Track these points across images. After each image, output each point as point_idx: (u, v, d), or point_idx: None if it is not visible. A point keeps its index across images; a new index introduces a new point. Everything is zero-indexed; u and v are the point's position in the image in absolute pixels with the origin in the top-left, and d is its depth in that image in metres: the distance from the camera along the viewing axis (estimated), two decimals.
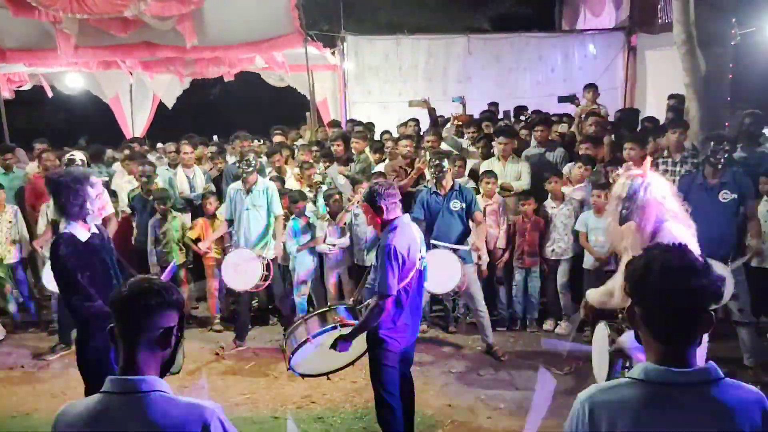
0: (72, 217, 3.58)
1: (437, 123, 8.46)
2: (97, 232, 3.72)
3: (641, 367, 1.70)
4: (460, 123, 7.93)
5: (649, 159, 3.23)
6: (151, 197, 6.66)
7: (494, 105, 9.11)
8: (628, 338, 2.92)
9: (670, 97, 7.82)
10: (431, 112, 8.52)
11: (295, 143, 8.93)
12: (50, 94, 11.50)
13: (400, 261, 3.56)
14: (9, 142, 8.70)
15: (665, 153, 6.04)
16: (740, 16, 7.46)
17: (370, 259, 6.10)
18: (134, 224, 6.89)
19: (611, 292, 3.38)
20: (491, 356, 5.72)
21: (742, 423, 1.61)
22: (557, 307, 6.37)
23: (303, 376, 4.01)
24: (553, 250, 6.25)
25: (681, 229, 2.94)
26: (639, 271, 1.70)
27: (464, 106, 8.62)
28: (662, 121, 7.42)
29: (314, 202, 6.57)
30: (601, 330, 3.21)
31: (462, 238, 5.72)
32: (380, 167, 7.02)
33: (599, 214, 5.80)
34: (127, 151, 8.25)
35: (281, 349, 4.03)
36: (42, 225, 6.57)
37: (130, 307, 1.86)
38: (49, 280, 5.55)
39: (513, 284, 6.42)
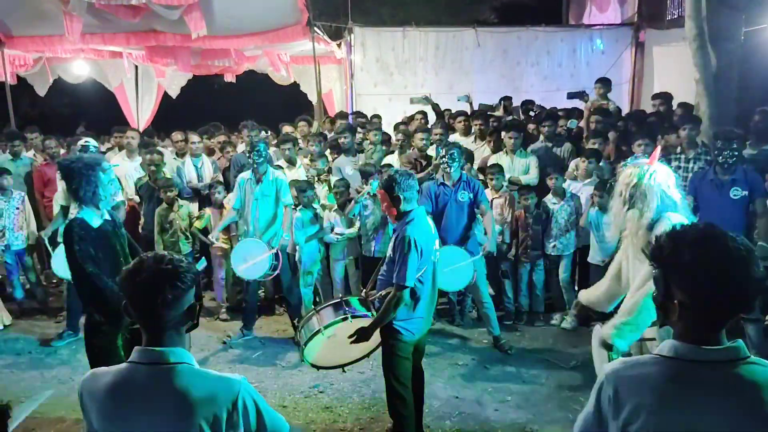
0: (84, 203, 3.59)
1: (443, 116, 8.47)
2: (110, 218, 3.72)
3: (670, 344, 1.69)
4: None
5: (659, 147, 3.25)
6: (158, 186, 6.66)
7: (508, 99, 9.08)
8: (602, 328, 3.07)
9: (654, 96, 7.83)
10: (435, 106, 8.53)
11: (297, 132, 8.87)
12: (50, 80, 11.43)
13: (420, 251, 3.56)
14: (14, 128, 8.67)
15: (678, 150, 6.04)
16: (750, 12, 7.45)
17: (381, 250, 6.11)
18: (141, 213, 6.90)
19: (601, 283, 3.50)
20: (498, 349, 5.73)
21: (767, 401, 1.60)
22: (563, 302, 6.39)
23: (317, 367, 4.01)
24: (554, 246, 6.26)
25: (681, 220, 2.95)
26: (696, 255, 1.61)
27: (471, 104, 8.62)
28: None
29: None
30: (597, 331, 3.23)
31: (469, 230, 5.73)
32: (388, 159, 7.02)
33: (603, 211, 5.83)
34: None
35: (295, 341, 4.04)
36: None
37: (148, 303, 1.82)
38: (57, 265, 5.58)
39: (518, 278, 6.44)
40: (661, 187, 3.06)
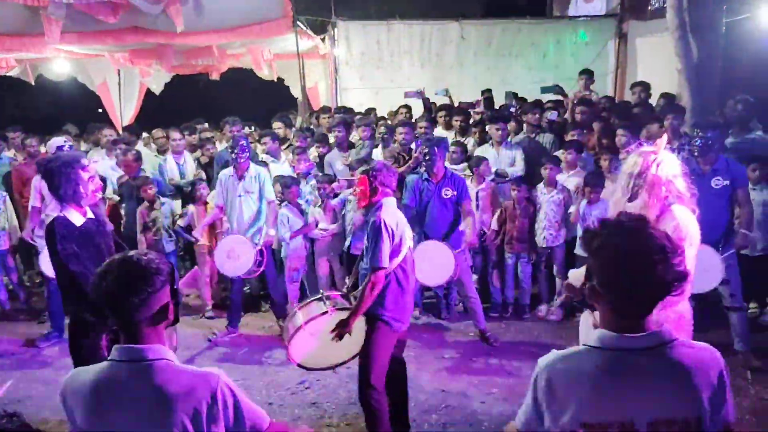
0: (66, 201, 3.54)
1: (431, 110, 8.46)
2: (93, 216, 3.67)
3: (597, 335, 1.72)
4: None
5: (665, 136, 3.08)
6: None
7: (488, 92, 9.07)
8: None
9: (634, 85, 7.86)
10: (425, 100, 8.55)
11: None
12: (32, 82, 11.31)
13: (391, 233, 3.60)
14: None
15: None
16: (731, 3, 7.49)
17: (362, 247, 6.08)
18: (122, 212, 6.83)
19: None
20: (484, 342, 5.74)
21: (699, 382, 1.64)
22: (549, 293, 6.40)
23: (306, 368, 4.01)
24: (544, 238, 6.25)
25: (686, 212, 2.90)
26: (603, 251, 1.68)
27: (450, 98, 8.61)
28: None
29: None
30: (586, 317, 3.21)
31: (453, 226, 5.72)
32: (373, 154, 6.99)
33: (591, 205, 5.83)
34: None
35: (282, 338, 4.04)
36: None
37: (119, 305, 1.84)
38: (45, 263, 5.50)
39: (504, 270, 6.44)
40: (667, 178, 2.89)
